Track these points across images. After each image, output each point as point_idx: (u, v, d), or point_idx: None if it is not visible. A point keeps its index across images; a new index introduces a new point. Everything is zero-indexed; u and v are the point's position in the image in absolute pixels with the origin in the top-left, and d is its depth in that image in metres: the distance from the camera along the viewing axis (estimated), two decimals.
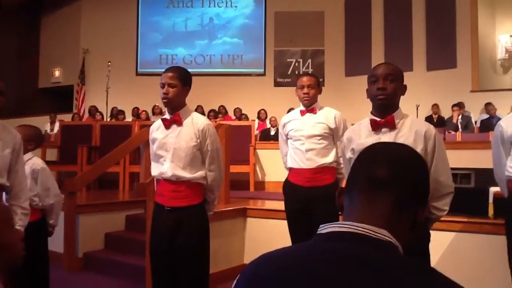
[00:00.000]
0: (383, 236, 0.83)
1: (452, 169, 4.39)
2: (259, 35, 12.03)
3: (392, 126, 2.19)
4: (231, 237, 4.33)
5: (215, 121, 8.04)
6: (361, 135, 2.28)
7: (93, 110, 10.34)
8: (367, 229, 0.84)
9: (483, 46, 10.10)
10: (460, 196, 4.09)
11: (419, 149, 2.11)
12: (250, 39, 12.10)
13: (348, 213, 0.91)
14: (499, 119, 8.64)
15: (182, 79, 2.67)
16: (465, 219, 3.76)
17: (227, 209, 4.33)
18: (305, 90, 3.12)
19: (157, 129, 2.75)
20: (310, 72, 11.42)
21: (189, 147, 2.62)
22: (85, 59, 11.83)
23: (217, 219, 3.90)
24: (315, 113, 3.17)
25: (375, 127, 2.22)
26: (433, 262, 3.74)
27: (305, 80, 3.15)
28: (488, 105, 8.91)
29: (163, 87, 2.64)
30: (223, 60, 12.07)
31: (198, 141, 2.64)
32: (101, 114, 10.11)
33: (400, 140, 2.11)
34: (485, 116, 8.84)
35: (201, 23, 12.32)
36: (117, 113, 10.10)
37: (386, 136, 2.19)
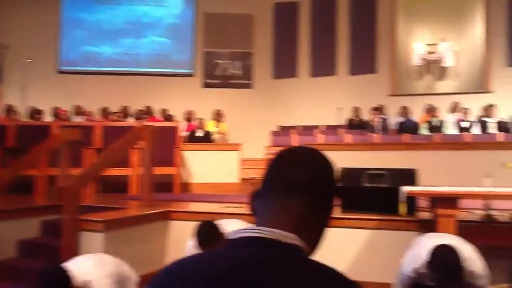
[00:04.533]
0: (290, 240, 0.85)
1: (369, 169, 4.64)
2: (188, 35, 11.91)
3: None
4: (153, 241, 4.25)
5: (140, 122, 7.87)
6: None
7: (9, 109, 9.71)
8: (275, 233, 0.85)
9: (400, 53, 10.72)
10: (375, 195, 4.33)
11: None
12: (179, 39, 11.95)
13: (261, 218, 0.92)
14: (414, 122, 9.25)
15: None
16: (379, 217, 3.97)
17: (149, 212, 4.25)
18: None
19: None
20: (239, 74, 11.52)
21: None
22: (4, 55, 11.10)
23: (138, 223, 3.82)
24: None
25: None
26: (350, 258, 3.93)
27: None
28: (403, 108, 9.46)
29: None
30: (151, 59, 11.81)
31: None
32: (18, 113, 9.53)
33: None
34: (401, 119, 9.38)
35: (128, 21, 11.99)
36: (34, 113, 9.56)
37: None
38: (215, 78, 11.64)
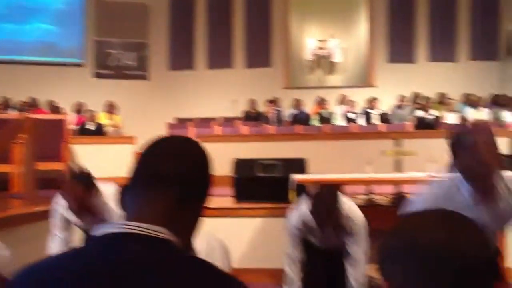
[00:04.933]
0: (159, 234, 0.82)
1: (262, 159, 4.77)
2: (78, 23, 11.22)
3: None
4: (38, 242, 3.97)
5: (23, 115, 7.28)
6: None
7: None
8: (144, 227, 0.82)
9: (293, 48, 11.14)
10: (268, 184, 4.47)
11: None
12: (67, 26, 11.19)
13: (129, 212, 0.88)
14: (306, 113, 9.68)
15: None
16: (272, 205, 4.11)
17: (33, 210, 3.96)
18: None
19: None
20: (133, 65, 11.15)
21: None
22: None
23: (20, 223, 3.55)
24: None
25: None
26: (244, 247, 4.02)
27: None
28: (297, 101, 9.86)
29: None
30: (36, 47, 10.93)
31: None
32: None
33: None
34: (295, 111, 9.77)
35: (9, 5, 10.97)
36: None
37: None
38: (107, 69, 11.12)
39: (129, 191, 0.90)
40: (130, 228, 0.82)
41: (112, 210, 2.75)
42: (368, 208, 4.23)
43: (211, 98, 10.56)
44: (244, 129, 8.45)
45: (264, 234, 3.99)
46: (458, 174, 1.82)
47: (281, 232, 3.95)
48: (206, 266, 0.82)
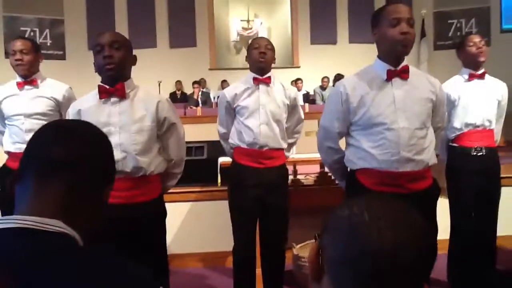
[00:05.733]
0: (54, 228, 0.76)
1: (189, 142, 4.71)
2: None
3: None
4: None
5: None
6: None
7: None
8: (35, 221, 0.76)
9: (218, 28, 11.00)
10: (195, 167, 4.43)
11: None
12: None
13: (19, 204, 0.81)
14: None
15: None
16: (199, 189, 4.09)
17: None
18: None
19: None
20: (48, 43, 10.48)
21: None
22: None
23: None
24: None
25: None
26: (174, 232, 3.98)
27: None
28: (223, 82, 9.82)
29: None
30: None
31: None
32: None
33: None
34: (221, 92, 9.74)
35: None
36: None
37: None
38: None
39: (20, 179, 0.83)
40: (20, 223, 0.75)
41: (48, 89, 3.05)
42: (294, 188, 4.35)
43: (135, 79, 10.12)
44: None
45: (193, 218, 3.96)
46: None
47: (210, 215, 3.96)
48: (101, 262, 0.77)
